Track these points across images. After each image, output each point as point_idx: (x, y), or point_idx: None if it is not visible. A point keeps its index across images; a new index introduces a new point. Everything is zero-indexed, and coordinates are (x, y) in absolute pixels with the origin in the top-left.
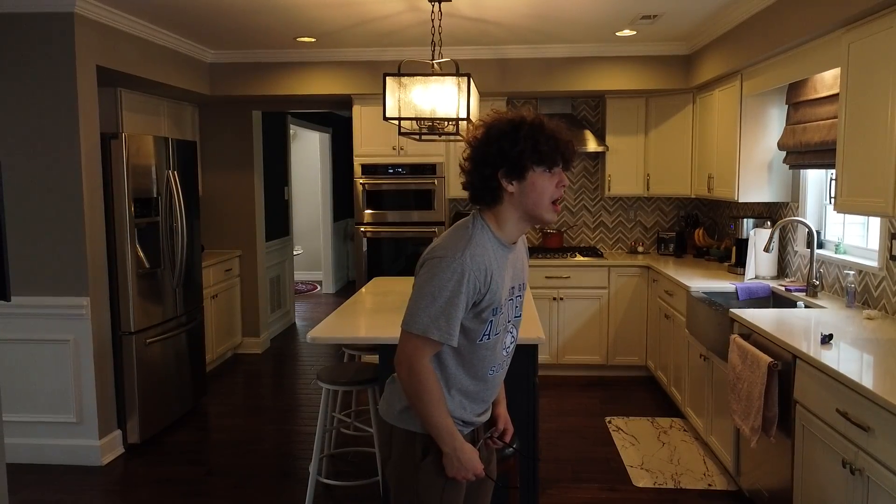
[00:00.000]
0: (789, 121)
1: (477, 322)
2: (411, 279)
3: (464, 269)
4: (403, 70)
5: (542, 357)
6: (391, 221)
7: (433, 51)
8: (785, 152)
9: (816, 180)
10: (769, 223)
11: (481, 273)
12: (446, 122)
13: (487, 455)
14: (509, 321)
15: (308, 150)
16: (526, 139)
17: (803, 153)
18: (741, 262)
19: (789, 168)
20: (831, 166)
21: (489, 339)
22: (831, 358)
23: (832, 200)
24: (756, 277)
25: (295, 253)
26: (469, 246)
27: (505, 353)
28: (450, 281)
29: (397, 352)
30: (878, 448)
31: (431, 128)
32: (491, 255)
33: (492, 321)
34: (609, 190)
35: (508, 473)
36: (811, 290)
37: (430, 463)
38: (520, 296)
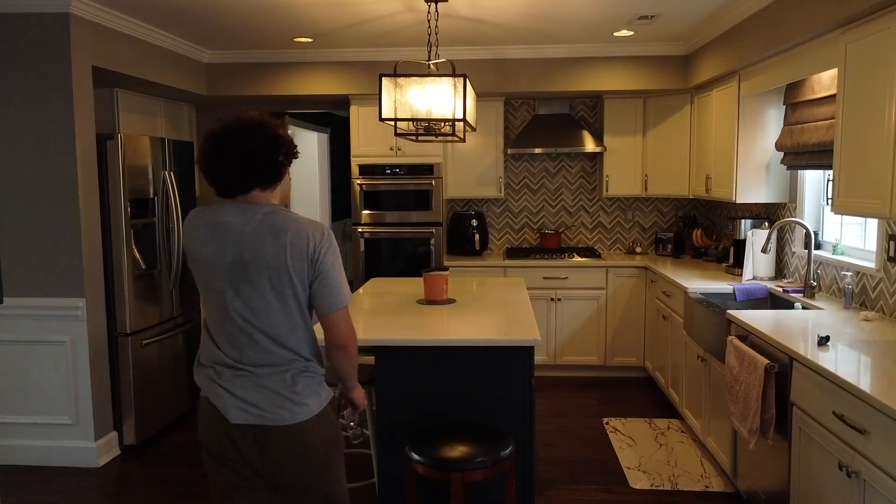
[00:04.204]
0: (787, 121)
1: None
2: (410, 280)
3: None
4: (400, 71)
5: (540, 358)
6: (389, 222)
7: (430, 51)
8: (783, 153)
9: (814, 181)
10: (767, 224)
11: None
12: (443, 123)
13: None
14: None
15: (306, 150)
16: (272, 146)
17: (801, 154)
18: (739, 262)
19: (787, 169)
20: (829, 167)
21: None
22: (828, 360)
23: (829, 202)
24: (754, 278)
25: None
26: (318, 223)
27: None
28: (336, 251)
29: (342, 333)
30: (874, 451)
31: (428, 128)
32: None
33: None
34: (607, 190)
35: (505, 475)
36: (809, 291)
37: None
38: None
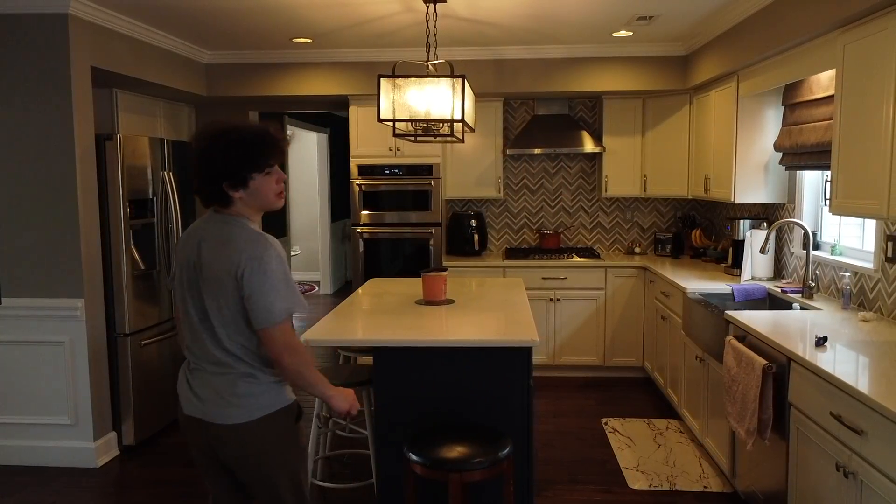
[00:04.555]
0: (785, 122)
1: None
2: (408, 280)
3: (275, 249)
4: (398, 71)
5: (539, 358)
6: (388, 222)
7: (428, 52)
8: (781, 153)
9: (813, 182)
10: (766, 224)
11: (278, 249)
12: (441, 124)
13: None
14: None
15: (306, 150)
16: (238, 156)
17: (799, 154)
18: (738, 263)
19: (786, 169)
20: (827, 168)
21: None
22: (825, 361)
23: (828, 202)
24: (753, 279)
25: (292, 253)
26: (262, 234)
27: None
28: (276, 263)
29: (274, 349)
30: (871, 451)
31: (426, 129)
32: None
33: None
34: (606, 191)
35: (503, 476)
36: (807, 291)
37: (302, 420)
38: None
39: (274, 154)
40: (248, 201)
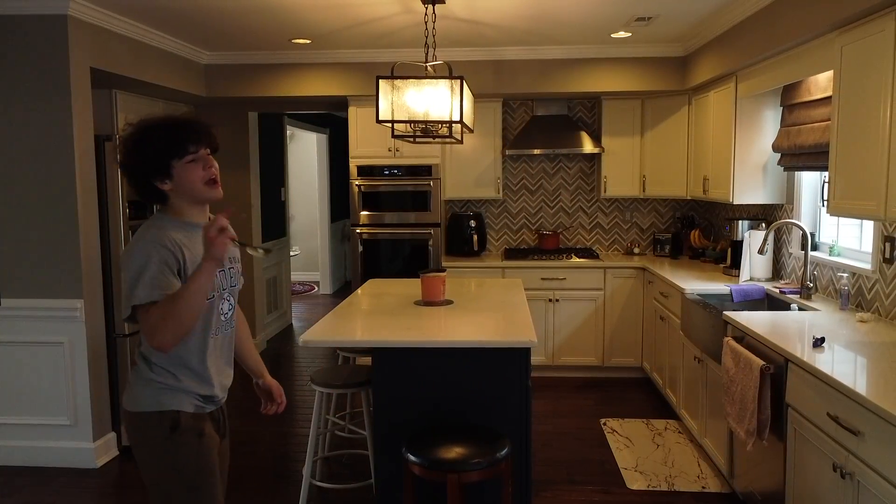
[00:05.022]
0: (784, 123)
1: None
2: (408, 281)
3: (148, 247)
4: (397, 72)
5: (538, 358)
6: (387, 223)
7: (427, 53)
8: (779, 154)
9: (811, 182)
10: (764, 225)
11: (167, 242)
12: (440, 125)
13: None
14: (225, 289)
15: (305, 150)
16: (152, 142)
17: (798, 155)
18: (736, 263)
19: (784, 170)
20: (825, 168)
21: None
22: (823, 362)
23: (826, 203)
24: (751, 279)
25: (292, 254)
26: (147, 231)
27: (224, 319)
28: (140, 259)
29: (142, 333)
30: (868, 452)
31: (425, 130)
32: (176, 234)
33: None
34: (605, 191)
35: (501, 476)
36: (805, 292)
37: (180, 434)
38: (231, 268)
39: (193, 139)
40: (178, 193)
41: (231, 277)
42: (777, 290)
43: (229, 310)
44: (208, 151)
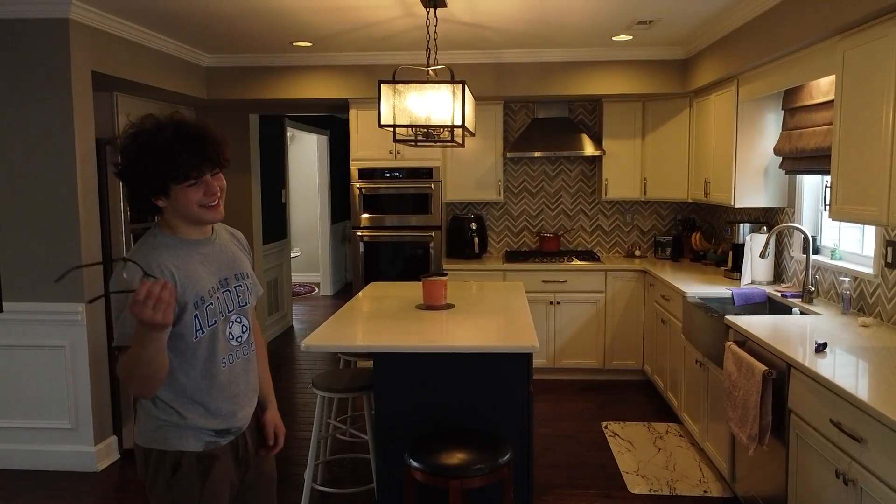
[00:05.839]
0: (785, 126)
1: (184, 319)
2: (408, 283)
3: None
4: (399, 76)
5: (539, 361)
6: (388, 225)
7: (428, 56)
8: (781, 158)
9: (812, 186)
10: (765, 228)
11: (155, 273)
12: (442, 129)
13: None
14: (230, 311)
15: (306, 152)
16: (148, 163)
17: (799, 159)
18: (738, 266)
19: (785, 173)
20: (827, 172)
21: (204, 332)
22: (825, 367)
23: (827, 208)
24: (752, 282)
25: (293, 255)
26: (136, 254)
27: (236, 343)
28: (116, 288)
29: None
30: (870, 459)
31: (427, 134)
32: (168, 256)
33: (197, 314)
34: (606, 194)
35: (502, 481)
36: (807, 296)
37: (181, 477)
38: (238, 285)
39: (194, 165)
40: (174, 212)
41: (239, 297)
42: (778, 294)
43: (242, 332)
44: (216, 171)
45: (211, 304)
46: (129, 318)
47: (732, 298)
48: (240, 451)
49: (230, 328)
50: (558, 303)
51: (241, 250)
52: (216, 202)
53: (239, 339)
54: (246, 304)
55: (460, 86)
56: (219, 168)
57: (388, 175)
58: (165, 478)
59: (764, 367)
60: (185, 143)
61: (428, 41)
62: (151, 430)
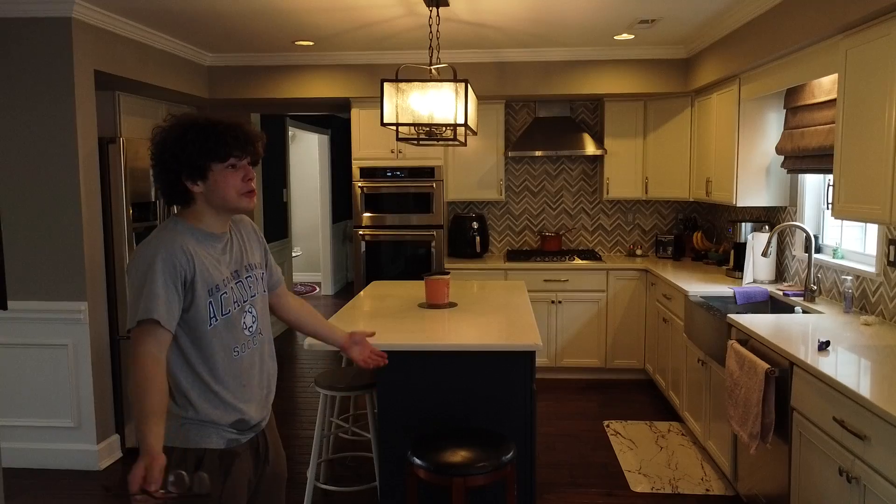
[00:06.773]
0: (787, 125)
1: (197, 305)
2: (410, 283)
3: (154, 253)
4: (401, 75)
5: (541, 360)
6: (389, 224)
7: (431, 55)
8: (783, 157)
9: (814, 185)
10: (767, 227)
11: (178, 252)
12: (444, 128)
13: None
14: (245, 301)
15: (307, 151)
16: (194, 140)
17: (801, 158)
18: (739, 265)
19: (787, 173)
20: (829, 171)
21: (218, 321)
22: (828, 365)
23: (830, 206)
24: (754, 282)
25: (294, 255)
26: (158, 236)
27: (248, 333)
28: (142, 267)
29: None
30: (874, 457)
31: (429, 133)
32: (189, 242)
33: (211, 302)
34: (607, 193)
35: (505, 480)
36: (809, 294)
37: (203, 477)
38: (250, 276)
39: (239, 146)
40: (208, 198)
41: (250, 287)
42: (780, 293)
43: (253, 322)
44: (249, 162)
45: (225, 293)
46: (153, 291)
47: (734, 297)
48: (259, 450)
49: (244, 318)
50: (560, 302)
51: (251, 240)
52: (253, 189)
53: (251, 329)
54: (255, 296)
55: (463, 84)
56: (253, 162)
57: (389, 174)
58: (188, 472)
59: (766, 366)
60: (230, 127)
61: (430, 40)
62: (173, 428)
